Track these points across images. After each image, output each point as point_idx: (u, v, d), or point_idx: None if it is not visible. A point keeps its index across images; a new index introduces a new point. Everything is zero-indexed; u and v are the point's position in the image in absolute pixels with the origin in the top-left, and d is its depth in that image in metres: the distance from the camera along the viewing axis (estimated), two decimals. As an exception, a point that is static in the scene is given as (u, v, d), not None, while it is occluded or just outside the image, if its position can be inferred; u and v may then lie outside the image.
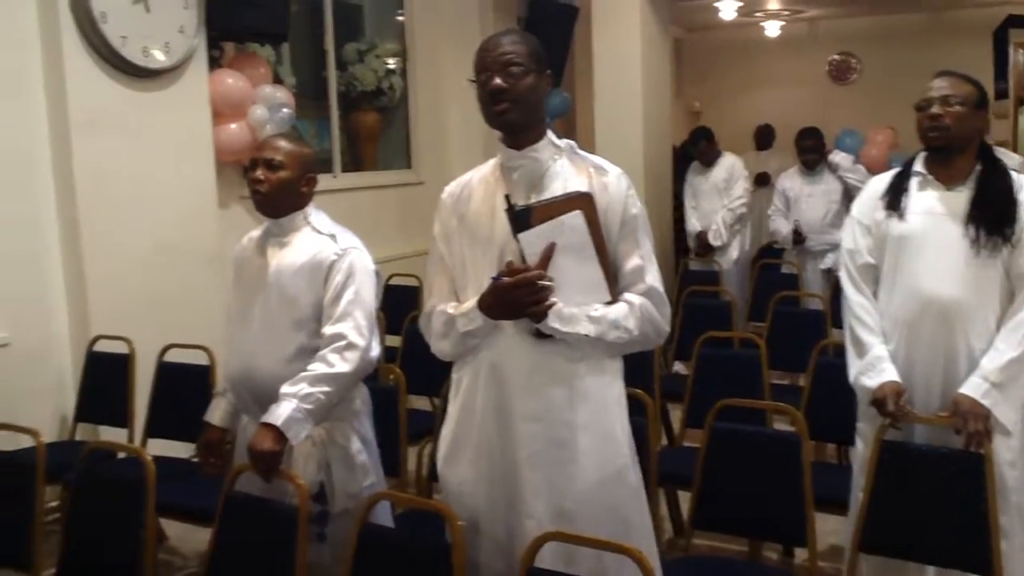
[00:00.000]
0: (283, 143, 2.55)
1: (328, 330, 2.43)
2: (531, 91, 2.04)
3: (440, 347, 2.15)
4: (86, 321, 3.99)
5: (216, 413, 2.67)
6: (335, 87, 5.81)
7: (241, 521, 2.34)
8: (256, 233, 2.67)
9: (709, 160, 6.22)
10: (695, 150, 6.36)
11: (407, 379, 3.31)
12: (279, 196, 2.51)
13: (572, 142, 2.16)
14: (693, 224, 6.19)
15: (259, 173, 2.49)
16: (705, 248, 6.10)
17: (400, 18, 6.47)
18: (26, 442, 2.82)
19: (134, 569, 2.42)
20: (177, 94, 4.39)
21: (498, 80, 2.00)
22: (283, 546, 2.16)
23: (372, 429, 2.63)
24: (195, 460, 3.89)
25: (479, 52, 2.07)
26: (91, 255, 4.00)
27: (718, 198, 6.13)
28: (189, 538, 3.60)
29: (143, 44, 4.18)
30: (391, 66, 6.24)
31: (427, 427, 3.66)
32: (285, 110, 4.81)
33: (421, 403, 4.14)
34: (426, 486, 3.19)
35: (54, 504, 3.45)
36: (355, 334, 2.42)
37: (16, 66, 3.89)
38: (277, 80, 5.10)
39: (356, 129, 6.07)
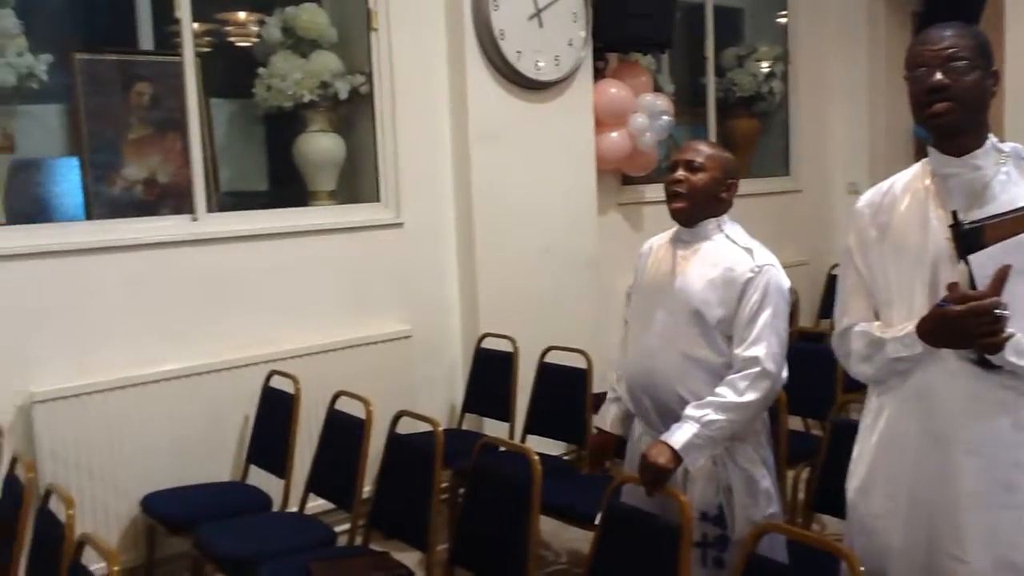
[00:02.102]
0: (705, 146, 2.49)
1: (741, 353, 2.34)
2: (975, 90, 1.83)
3: (861, 370, 2.00)
4: (476, 319, 4.29)
5: (607, 418, 2.70)
6: (713, 93, 5.74)
7: (623, 531, 2.34)
8: (663, 239, 2.62)
9: None
10: None
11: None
12: (697, 199, 2.43)
13: (1019, 146, 1.90)
14: None
15: (679, 174, 2.44)
16: None
17: (782, 20, 6.23)
18: (423, 426, 3.05)
19: (517, 560, 2.53)
20: (563, 105, 4.57)
21: (938, 76, 1.80)
22: (666, 565, 2.13)
23: (772, 454, 2.51)
24: (567, 459, 4.05)
25: (915, 45, 1.88)
26: (483, 258, 4.29)
27: None
28: (561, 534, 3.71)
29: (535, 58, 4.40)
30: (771, 70, 6.04)
31: (803, 450, 3.47)
32: (665, 117, 4.83)
33: (795, 423, 3.94)
34: (807, 515, 3.00)
35: (443, 485, 3.73)
36: (769, 362, 2.31)
37: (426, 84, 4.27)
38: (657, 88, 5.14)
39: (732, 135, 5.95)
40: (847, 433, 2.21)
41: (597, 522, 2.45)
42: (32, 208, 3.71)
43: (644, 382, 2.49)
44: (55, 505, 2.38)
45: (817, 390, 3.51)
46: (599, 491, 2.55)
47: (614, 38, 4.72)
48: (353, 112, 4.28)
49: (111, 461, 3.31)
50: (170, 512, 3.22)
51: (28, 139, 3.66)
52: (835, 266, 5.61)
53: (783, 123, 6.20)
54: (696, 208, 2.45)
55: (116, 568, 1.94)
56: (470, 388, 4.17)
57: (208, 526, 3.04)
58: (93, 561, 2.14)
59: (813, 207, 6.07)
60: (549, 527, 3.72)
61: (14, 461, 2.72)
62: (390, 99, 4.17)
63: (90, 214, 3.76)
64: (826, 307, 5.72)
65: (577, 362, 3.74)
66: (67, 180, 3.84)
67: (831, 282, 5.62)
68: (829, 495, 2.69)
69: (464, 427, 4.15)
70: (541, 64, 4.41)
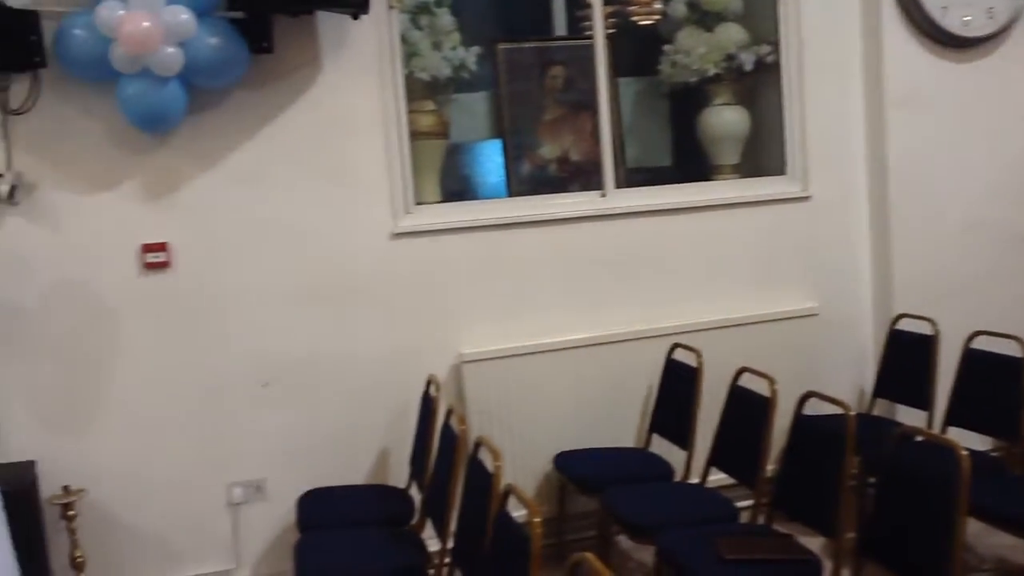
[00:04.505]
0: None
1: None
2: None
3: None
4: (889, 298, 4.01)
5: None
6: None
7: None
8: None
9: None
10: None
11: None
12: None
13: None
14: None
15: None
16: None
17: None
18: (829, 408, 2.91)
19: (938, 561, 2.33)
20: (997, 62, 4.11)
21: None
22: None
23: None
24: (995, 455, 3.66)
25: None
26: (898, 232, 4.00)
27: None
28: (984, 538, 3.36)
29: (963, 12, 3.98)
30: None
31: None
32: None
33: None
34: None
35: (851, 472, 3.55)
36: None
37: (837, 49, 4.04)
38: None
39: None
40: None
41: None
42: (462, 187, 4.12)
43: None
44: (483, 456, 2.62)
45: None
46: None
47: (1065, -19, 4.12)
48: (758, 83, 4.19)
49: (528, 419, 3.59)
50: (579, 472, 3.41)
51: (459, 125, 4.05)
52: None
53: None
54: None
55: (538, 519, 2.08)
56: (882, 371, 3.91)
57: (614, 489, 3.17)
58: (514, 509, 2.32)
59: None
60: (971, 528, 3.38)
61: (449, 413, 3.04)
62: (797, 67, 4.01)
63: (511, 191, 4.09)
64: None
65: (1010, 350, 3.35)
66: (491, 161, 4.19)
67: None
68: None
69: (874, 412, 3.91)
70: (969, 18, 3.98)
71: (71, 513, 3.16)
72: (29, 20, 3.09)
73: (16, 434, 3.19)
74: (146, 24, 2.89)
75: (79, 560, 3.19)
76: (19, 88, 3.14)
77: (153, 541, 3.36)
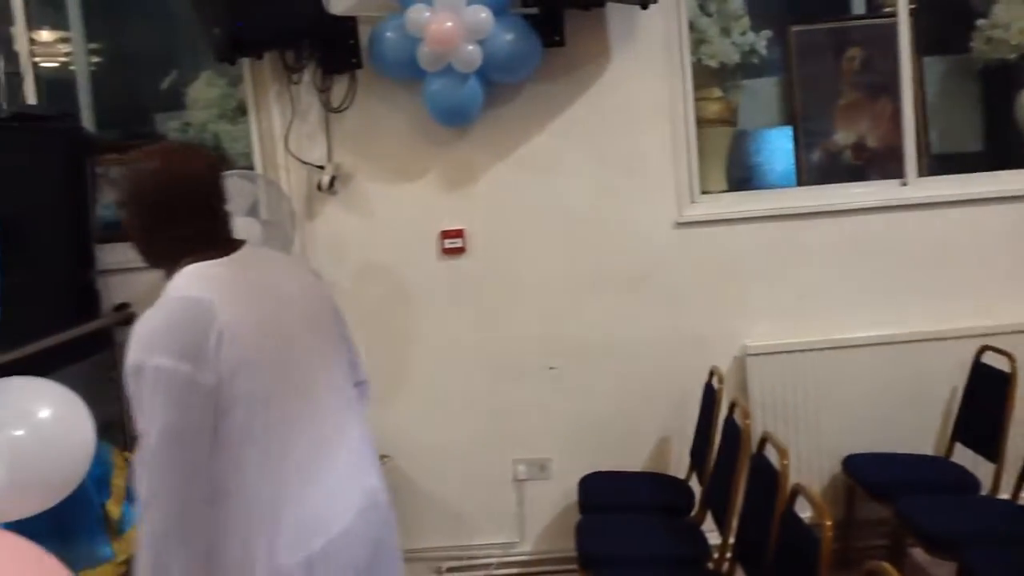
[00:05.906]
0: None
1: None
2: None
3: None
4: None
5: None
6: None
7: None
8: None
9: None
10: None
11: None
12: None
13: None
14: None
15: None
16: None
17: None
18: None
19: None
20: None
21: None
22: None
23: None
24: None
25: None
26: None
27: None
28: None
29: None
30: None
31: None
32: None
33: None
34: None
35: None
36: None
37: None
38: None
39: None
40: None
41: None
42: (749, 175, 4.02)
43: None
44: (768, 452, 2.56)
45: None
46: None
47: None
48: (1092, 57, 3.74)
49: (815, 418, 3.45)
50: (871, 477, 3.23)
51: (747, 111, 3.96)
52: None
53: None
54: None
55: (828, 523, 2.01)
56: None
57: (910, 497, 2.98)
58: (800, 510, 2.25)
59: None
60: None
61: (732, 407, 2.99)
62: None
63: (800, 180, 3.93)
64: None
65: None
66: (779, 148, 4.06)
67: None
68: None
69: None
70: None
71: (375, 477, 3.45)
72: (348, 26, 3.39)
73: (330, 402, 3.53)
74: (449, 24, 3.07)
75: (381, 521, 3.49)
76: (339, 88, 3.47)
77: (447, 508, 3.60)
